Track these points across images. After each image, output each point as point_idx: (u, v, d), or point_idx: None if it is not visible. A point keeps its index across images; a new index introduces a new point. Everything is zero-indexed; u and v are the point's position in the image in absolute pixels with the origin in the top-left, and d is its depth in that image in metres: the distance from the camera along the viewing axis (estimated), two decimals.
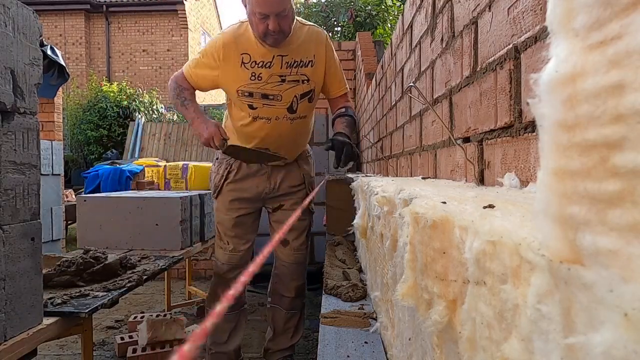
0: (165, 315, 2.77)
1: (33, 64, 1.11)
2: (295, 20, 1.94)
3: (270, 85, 1.96)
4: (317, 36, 2.02)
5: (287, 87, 1.97)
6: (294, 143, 2.11)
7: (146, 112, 9.60)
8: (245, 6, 1.87)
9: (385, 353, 1.13)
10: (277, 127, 2.01)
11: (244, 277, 0.32)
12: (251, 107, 1.99)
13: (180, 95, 2.04)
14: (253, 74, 1.95)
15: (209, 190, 2.34)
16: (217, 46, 1.96)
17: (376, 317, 1.35)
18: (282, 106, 1.99)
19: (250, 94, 1.97)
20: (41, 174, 1.20)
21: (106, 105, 9.33)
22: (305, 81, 2.00)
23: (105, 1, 14.07)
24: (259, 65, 1.94)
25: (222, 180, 2.12)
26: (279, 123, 2.01)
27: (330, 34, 8.33)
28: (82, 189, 6.48)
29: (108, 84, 9.97)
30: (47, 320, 1.22)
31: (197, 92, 2.15)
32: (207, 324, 0.23)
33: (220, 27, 18.77)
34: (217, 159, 2.19)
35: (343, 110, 2.14)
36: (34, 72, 1.12)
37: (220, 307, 0.25)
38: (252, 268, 0.34)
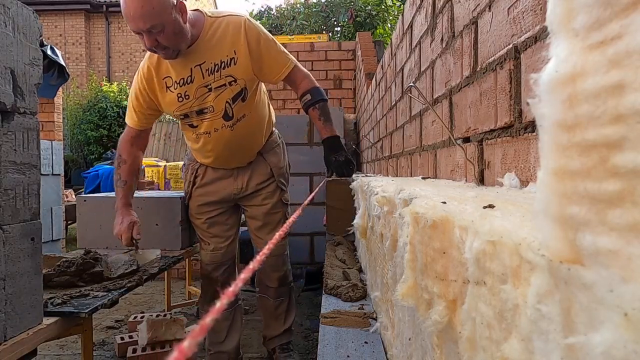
0: (165, 315, 2.77)
1: (33, 64, 1.11)
2: (204, 17, 1.82)
3: (199, 100, 1.87)
4: (233, 27, 1.83)
5: (214, 96, 1.86)
6: (244, 147, 2.02)
7: None
8: None
9: (385, 353, 1.13)
10: (220, 138, 1.93)
11: (241, 277, 0.32)
12: (191, 126, 1.95)
13: (117, 172, 1.97)
14: (179, 95, 1.86)
15: None
16: (139, 81, 1.90)
17: (376, 317, 1.35)
18: (217, 116, 1.90)
19: (186, 115, 1.92)
20: (41, 174, 1.20)
21: (106, 105, 9.33)
22: (233, 82, 1.85)
23: (105, 1, 14.07)
24: (181, 84, 1.84)
25: (191, 187, 2.11)
26: (219, 134, 1.92)
27: (330, 34, 8.34)
28: (82, 189, 6.48)
29: (108, 84, 9.97)
30: (47, 320, 1.22)
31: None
32: (205, 321, 0.23)
33: None
34: (184, 164, 2.19)
35: (309, 97, 1.95)
36: (34, 72, 1.12)
37: (216, 307, 0.25)
38: (247, 272, 0.34)
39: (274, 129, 2.19)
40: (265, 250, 0.42)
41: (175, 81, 1.85)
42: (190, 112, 1.90)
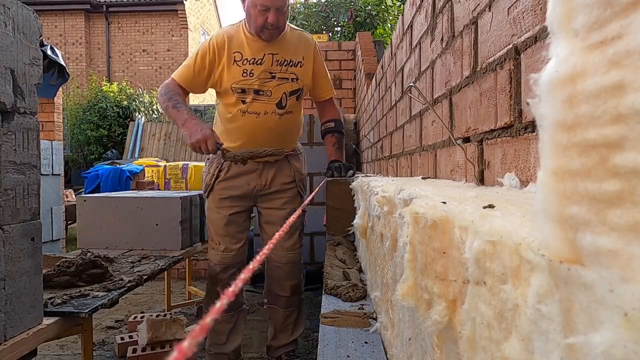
0: (165, 315, 2.77)
1: (33, 64, 1.11)
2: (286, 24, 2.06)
3: (260, 82, 2.04)
4: (306, 41, 2.14)
5: (276, 84, 2.06)
6: (282, 138, 2.13)
7: (146, 112, 9.59)
8: (244, 1, 1.97)
9: (385, 353, 1.13)
10: (265, 122, 2.06)
11: (241, 277, 0.32)
12: (243, 101, 2.05)
13: (172, 99, 2.01)
14: (245, 71, 2.02)
15: None
16: (208, 48, 2.03)
17: (376, 317, 1.35)
18: (271, 102, 2.06)
19: (243, 90, 2.04)
20: (41, 174, 1.20)
21: (106, 105, 9.32)
22: (295, 80, 2.09)
23: (105, 1, 14.06)
24: (250, 62, 2.02)
25: (214, 179, 2.14)
26: (267, 118, 2.06)
27: (330, 34, 8.34)
28: (82, 189, 6.47)
29: (108, 84, 9.96)
30: (47, 320, 1.22)
31: (192, 95, 2.22)
32: (205, 321, 0.23)
33: (220, 27, 18.78)
34: (208, 158, 2.22)
35: (332, 125, 2.25)
36: (34, 72, 1.12)
37: (216, 307, 0.25)
38: (247, 272, 0.34)
39: (299, 142, 2.36)
40: (265, 250, 0.42)
41: (246, 58, 2.03)
42: (248, 88, 2.04)
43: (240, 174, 2.12)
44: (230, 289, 0.28)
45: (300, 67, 2.10)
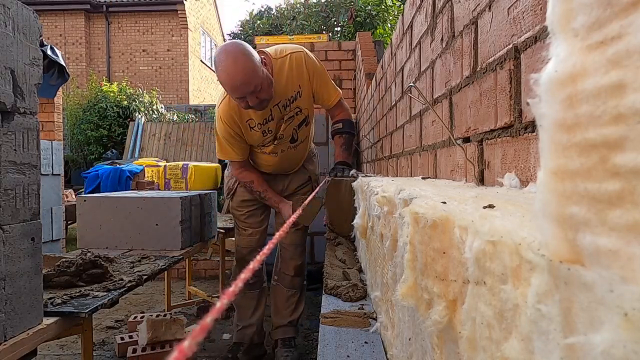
0: (165, 315, 2.77)
1: (33, 64, 1.11)
2: (271, 60, 2.07)
3: (278, 131, 2.21)
4: (297, 65, 2.12)
5: (286, 125, 2.20)
6: (298, 160, 2.42)
7: (146, 112, 9.59)
8: None
9: (385, 353, 1.13)
10: (284, 157, 2.31)
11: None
12: (266, 146, 2.27)
13: (254, 191, 2.34)
14: (264, 132, 2.18)
15: (209, 190, 2.49)
16: (226, 128, 2.18)
17: (376, 317, 1.35)
18: (285, 141, 2.25)
19: (264, 142, 2.24)
20: (41, 174, 1.20)
21: (106, 105, 9.31)
22: (299, 112, 2.21)
23: (105, 1, 14.06)
24: (264, 123, 2.16)
25: (236, 184, 2.43)
26: (284, 154, 2.30)
27: (330, 34, 8.33)
28: (82, 189, 6.47)
29: (108, 84, 9.96)
30: (47, 320, 1.22)
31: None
32: (206, 321, 0.23)
33: (220, 27, 18.78)
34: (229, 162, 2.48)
35: (340, 126, 2.32)
36: (34, 72, 1.12)
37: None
38: (245, 274, 0.36)
39: (312, 142, 2.53)
40: (270, 245, 0.46)
41: (259, 122, 2.16)
42: (268, 140, 2.23)
43: None
44: (231, 289, 0.30)
45: (300, 96, 2.16)
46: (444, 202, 0.51)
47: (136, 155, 7.62)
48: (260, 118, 2.14)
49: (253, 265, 0.37)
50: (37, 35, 1.13)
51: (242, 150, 2.27)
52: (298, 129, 2.25)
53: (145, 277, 1.73)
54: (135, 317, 2.84)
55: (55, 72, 4.05)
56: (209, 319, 0.23)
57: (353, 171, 2.15)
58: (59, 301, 1.36)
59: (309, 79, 2.16)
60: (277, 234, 0.52)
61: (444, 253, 0.47)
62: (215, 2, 18.13)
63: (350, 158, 2.32)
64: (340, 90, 2.33)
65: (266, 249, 0.43)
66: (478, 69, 0.90)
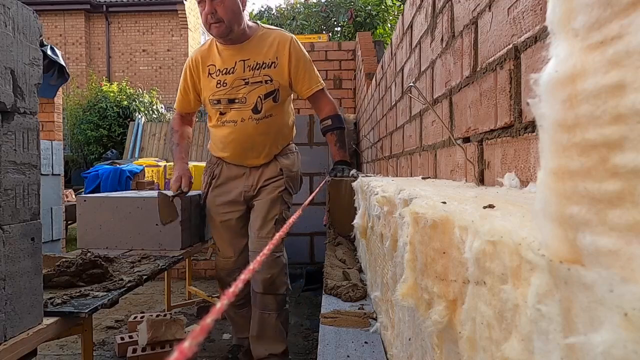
0: (165, 315, 2.77)
1: (33, 64, 1.11)
2: (259, 27, 2.11)
3: (234, 90, 2.07)
4: (282, 40, 2.10)
5: (250, 89, 2.07)
6: (262, 144, 2.13)
7: (146, 112, 9.59)
8: None
9: (385, 353, 1.13)
10: (243, 130, 2.08)
11: (241, 278, 0.33)
12: (220, 112, 2.11)
13: (171, 140, 2.26)
14: (219, 82, 2.08)
15: None
16: (188, 68, 2.17)
17: (376, 317, 1.35)
18: (247, 108, 2.07)
19: (218, 101, 2.09)
20: (41, 174, 1.20)
21: (106, 105, 9.32)
22: (269, 81, 2.07)
23: (105, 1, 14.06)
24: (223, 73, 2.07)
25: (207, 188, 2.24)
26: (244, 125, 2.07)
27: (330, 34, 8.33)
28: (82, 189, 6.47)
29: (108, 84, 9.96)
30: (47, 320, 1.22)
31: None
32: (206, 322, 0.23)
33: None
34: (205, 168, 2.35)
35: (329, 123, 2.20)
36: (34, 72, 1.12)
37: (231, 305, 0.27)
38: (247, 272, 0.34)
39: (292, 143, 2.30)
40: (266, 251, 0.43)
41: (219, 69, 2.08)
42: (222, 98, 2.08)
43: (230, 179, 2.19)
44: (230, 290, 0.29)
45: (274, 67, 2.07)
46: (444, 202, 0.51)
47: (136, 155, 7.62)
48: (221, 65, 2.07)
49: (244, 276, 0.34)
50: (37, 35, 1.13)
51: (187, 102, 2.21)
52: (264, 100, 2.06)
53: (145, 277, 1.73)
54: (135, 317, 2.84)
55: (55, 72, 4.05)
56: (209, 319, 0.23)
57: (353, 171, 2.10)
58: (59, 301, 1.36)
59: (288, 61, 2.08)
60: (267, 248, 0.44)
61: (444, 253, 0.47)
62: None
63: (347, 155, 2.22)
64: (324, 83, 2.22)
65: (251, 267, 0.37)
66: (478, 69, 0.90)
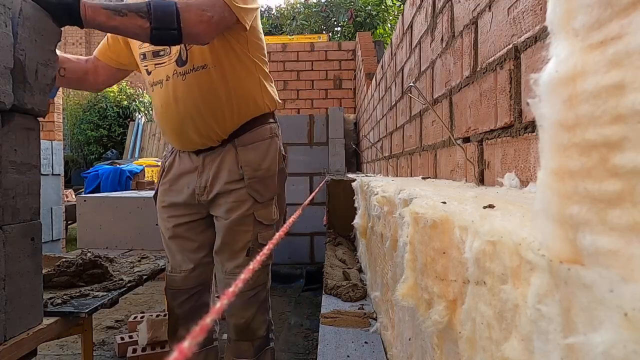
0: (165, 315, 2.77)
1: (47, 65, 1.11)
2: None
3: None
4: None
5: None
6: (199, 114, 1.42)
7: (146, 112, 9.60)
8: None
9: (385, 353, 1.13)
10: (168, 93, 1.43)
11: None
12: (148, 72, 1.51)
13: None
14: None
15: None
16: None
17: (376, 317, 1.35)
18: (171, 60, 1.44)
19: (144, 55, 1.50)
20: (41, 174, 1.20)
21: (106, 105, 9.33)
22: None
23: None
24: None
25: (157, 183, 1.63)
26: (170, 85, 1.43)
27: (330, 34, 8.34)
28: (82, 189, 6.48)
29: None
30: (47, 320, 1.22)
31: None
32: (206, 322, 0.23)
33: None
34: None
35: None
36: (48, 72, 1.12)
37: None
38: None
39: (271, 121, 1.54)
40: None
41: None
42: (147, 51, 1.48)
43: (180, 175, 1.54)
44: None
45: None
46: (444, 202, 0.51)
47: (136, 155, 7.62)
48: None
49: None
50: (55, 39, 1.13)
51: (107, 46, 1.56)
52: (188, 45, 1.40)
53: (145, 277, 1.73)
54: (135, 317, 2.84)
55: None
56: (208, 319, 0.23)
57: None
58: (59, 301, 1.36)
59: None
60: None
61: (444, 253, 0.47)
62: None
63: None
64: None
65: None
66: (478, 69, 0.90)
